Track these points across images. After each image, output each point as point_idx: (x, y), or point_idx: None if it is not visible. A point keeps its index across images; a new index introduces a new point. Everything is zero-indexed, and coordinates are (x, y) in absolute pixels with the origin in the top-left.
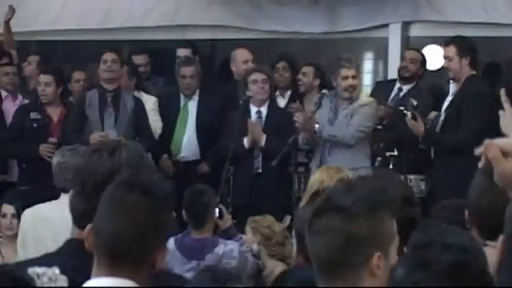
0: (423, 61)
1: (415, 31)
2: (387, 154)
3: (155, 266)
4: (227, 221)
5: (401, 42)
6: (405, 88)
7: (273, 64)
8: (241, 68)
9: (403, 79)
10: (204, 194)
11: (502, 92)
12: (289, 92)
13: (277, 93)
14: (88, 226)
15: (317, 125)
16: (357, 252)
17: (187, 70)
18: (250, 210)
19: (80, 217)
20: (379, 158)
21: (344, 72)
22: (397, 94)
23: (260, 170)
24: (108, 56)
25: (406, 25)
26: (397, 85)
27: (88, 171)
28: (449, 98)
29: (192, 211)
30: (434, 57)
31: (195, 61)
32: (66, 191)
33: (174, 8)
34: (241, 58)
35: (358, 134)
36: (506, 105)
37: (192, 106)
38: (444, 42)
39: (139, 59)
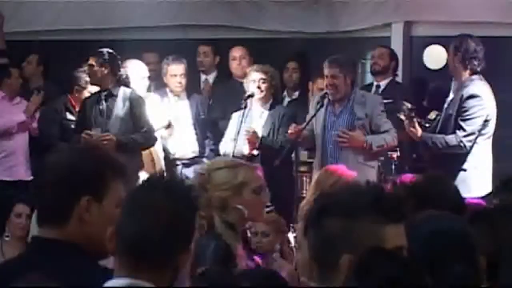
0: (392, 54)
1: (418, 30)
2: (389, 154)
3: (178, 270)
4: None
5: (404, 42)
6: (383, 84)
7: (283, 63)
8: (232, 66)
9: (377, 74)
10: None
11: None
12: (297, 93)
13: (285, 93)
14: (110, 229)
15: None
16: (329, 253)
17: (178, 69)
18: None
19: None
20: (381, 158)
21: (326, 72)
22: (376, 91)
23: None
24: (91, 60)
25: (408, 25)
26: (374, 83)
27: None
28: (449, 98)
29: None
30: (437, 56)
31: (183, 59)
32: None
33: (175, 8)
34: (231, 56)
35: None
36: None
37: (183, 105)
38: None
39: (149, 57)
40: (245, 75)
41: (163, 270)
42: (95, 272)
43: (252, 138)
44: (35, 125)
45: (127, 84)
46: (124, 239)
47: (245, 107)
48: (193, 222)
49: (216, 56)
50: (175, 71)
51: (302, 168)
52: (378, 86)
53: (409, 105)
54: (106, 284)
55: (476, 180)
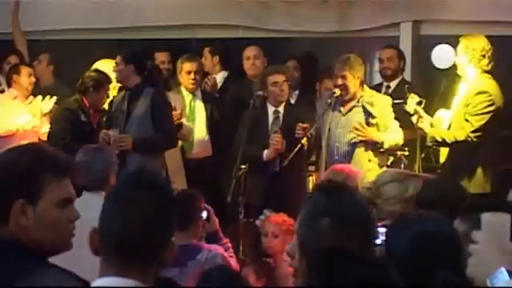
0: (400, 54)
1: (426, 29)
2: (399, 153)
3: (163, 265)
4: (215, 225)
5: (412, 41)
6: (393, 84)
7: (283, 62)
8: (246, 66)
9: (388, 77)
10: (192, 198)
11: None
12: (297, 92)
13: None
14: (92, 228)
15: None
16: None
17: (193, 66)
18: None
19: None
20: (391, 158)
21: (335, 71)
22: (386, 91)
23: (277, 169)
24: (117, 59)
25: (417, 24)
26: (384, 83)
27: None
28: (458, 96)
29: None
30: (445, 56)
31: (198, 58)
32: (88, 189)
33: (183, 7)
34: (244, 56)
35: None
36: None
37: (198, 103)
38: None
39: (161, 56)
40: (258, 75)
41: (149, 267)
42: (35, 270)
43: (279, 145)
44: (43, 130)
45: (153, 83)
46: (112, 237)
47: (256, 107)
48: (173, 215)
49: (215, 56)
50: (189, 68)
51: (310, 168)
52: (388, 87)
53: (417, 99)
54: (94, 284)
55: (482, 177)
